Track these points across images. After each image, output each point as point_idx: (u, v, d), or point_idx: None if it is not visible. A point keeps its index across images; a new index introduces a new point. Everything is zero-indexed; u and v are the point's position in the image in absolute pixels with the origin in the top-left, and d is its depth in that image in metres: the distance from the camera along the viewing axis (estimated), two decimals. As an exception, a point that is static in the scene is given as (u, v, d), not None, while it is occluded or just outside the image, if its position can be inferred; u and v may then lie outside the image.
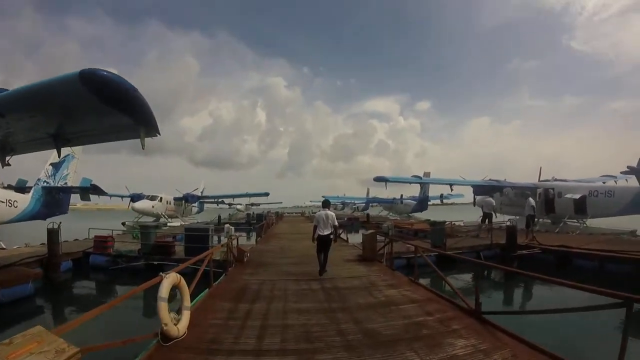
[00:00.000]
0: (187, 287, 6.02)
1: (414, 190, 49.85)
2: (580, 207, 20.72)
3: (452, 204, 61.78)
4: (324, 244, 10.77)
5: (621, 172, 20.59)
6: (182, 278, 5.82)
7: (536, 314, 6.63)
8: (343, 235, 21.10)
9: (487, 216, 23.23)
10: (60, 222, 15.22)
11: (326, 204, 11.55)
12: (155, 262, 15.09)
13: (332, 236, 10.77)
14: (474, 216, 28.53)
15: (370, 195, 70.34)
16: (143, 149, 7.50)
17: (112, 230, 17.89)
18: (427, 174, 25.98)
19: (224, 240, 15.00)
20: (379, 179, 22.22)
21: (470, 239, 18.81)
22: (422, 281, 9.99)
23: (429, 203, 48.27)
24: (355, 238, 21.05)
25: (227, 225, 15.89)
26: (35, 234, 19.61)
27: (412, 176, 23.09)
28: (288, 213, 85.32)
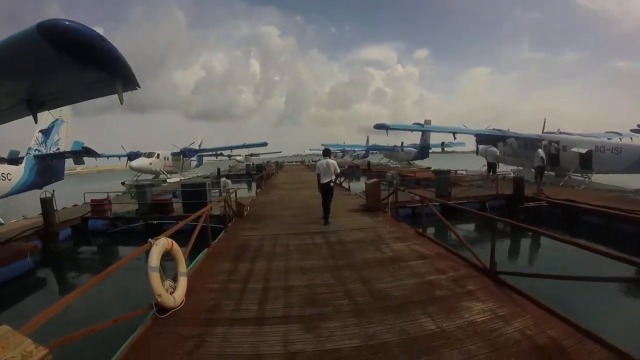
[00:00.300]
0: (181, 252, 5.62)
1: (415, 138, 49.28)
2: (586, 162, 20.11)
3: (452, 152, 61.39)
4: (326, 192, 11.09)
5: (631, 130, 20.29)
6: (174, 242, 5.39)
7: (557, 279, 6.09)
8: (345, 184, 20.93)
9: (491, 166, 22.84)
10: (53, 190, 14.73)
11: (327, 152, 11.73)
12: (155, 222, 14.83)
13: (332, 184, 11.05)
14: (476, 165, 28.15)
15: (370, 143, 69.78)
16: (121, 103, 6.89)
17: (108, 192, 17.25)
18: (427, 122, 25.09)
19: (216, 195, 14.63)
20: (379, 127, 21.58)
21: (475, 188, 18.38)
22: (429, 233, 9.66)
23: (430, 151, 47.65)
24: (357, 186, 20.85)
25: (223, 179, 15.23)
26: (34, 204, 19.37)
27: (413, 124, 22.43)
28: (288, 162, 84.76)
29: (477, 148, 26.67)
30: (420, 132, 44.36)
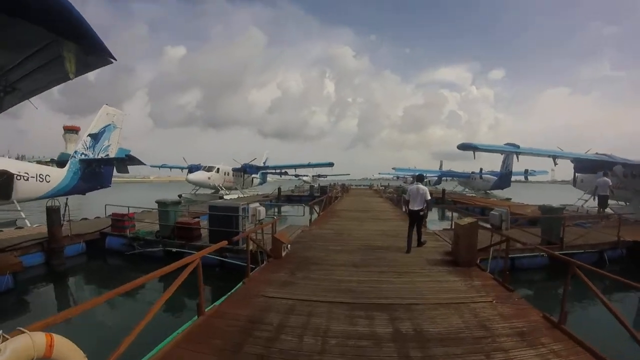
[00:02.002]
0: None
1: (492, 165, 45.24)
2: None
3: (536, 182, 55.67)
4: (414, 219, 10.49)
5: None
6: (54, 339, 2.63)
7: None
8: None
9: (603, 200, 18.43)
10: (67, 199, 13.36)
11: (420, 178, 11.38)
12: (174, 250, 12.03)
13: (422, 213, 10.37)
14: (568, 198, 24.01)
15: (444, 169, 65.14)
16: (71, 78, 5.42)
17: (129, 207, 14.66)
18: (511, 145, 20.87)
19: (250, 225, 11.06)
20: (465, 147, 17.74)
21: (590, 232, 13.70)
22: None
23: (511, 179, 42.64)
24: (430, 218, 16.94)
25: (255, 205, 11.35)
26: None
27: (505, 144, 18.43)
28: (356, 185, 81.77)
29: (575, 177, 22.83)
30: (503, 158, 40.10)
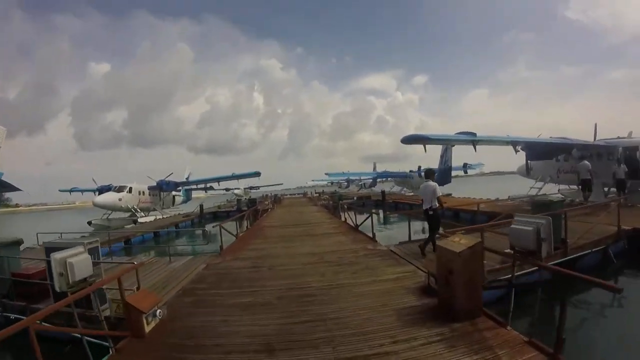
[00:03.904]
0: None
1: (428, 162, 43.67)
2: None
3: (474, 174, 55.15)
4: (428, 220, 9.14)
5: None
6: None
7: None
8: (365, 227, 13.84)
9: (586, 183, 16.33)
10: None
11: (428, 174, 9.89)
12: (12, 316, 7.48)
13: (430, 212, 8.94)
14: (510, 187, 25.06)
15: (378, 170, 63.07)
16: None
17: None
18: (467, 133, 18.29)
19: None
20: (412, 139, 14.75)
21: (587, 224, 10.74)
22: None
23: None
24: (373, 228, 13.38)
25: (64, 255, 6.28)
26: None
27: (458, 133, 15.59)
28: (291, 194, 77.96)
29: (527, 165, 20.89)
30: (441, 153, 38.45)
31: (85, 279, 5.17)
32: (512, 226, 4.77)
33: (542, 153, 19.24)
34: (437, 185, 9.13)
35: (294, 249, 11.23)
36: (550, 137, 19.08)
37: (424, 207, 9.10)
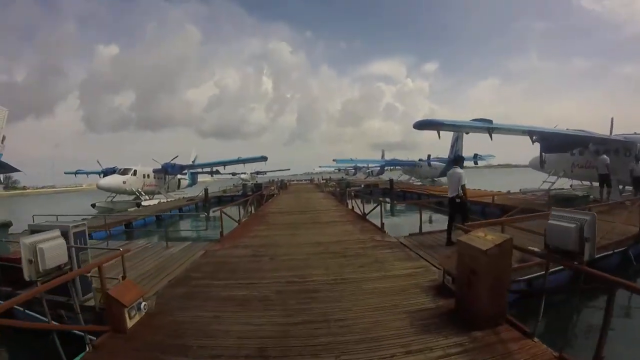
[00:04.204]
0: None
1: (439, 151, 42.83)
2: None
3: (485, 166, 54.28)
4: (452, 208, 8.94)
5: None
6: None
7: None
8: (373, 216, 13.26)
9: (604, 179, 15.47)
10: None
11: (457, 160, 9.67)
12: None
13: (458, 200, 8.67)
14: (521, 180, 23.97)
15: (386, 158, 62.13)
16: None
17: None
18: (483, 120, 17.53)
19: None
20: (425, 124, 13.98)
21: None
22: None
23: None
24: (382, 217, 12.62)
25: (33, 240, 5.44)
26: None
27: (473, 120, 14.82)
28: (298, 180, 77.50)
29: (542, 157, 19.53)
30: (451, 142, 37.81)
31: (59, 267, 4.57)
32: (550, 221, 4.10)
33: (558, 145, 18.10)
34: (463, 172, 8.81)
35: (298, 237, 10.64)
36: (567, 129, 18.12)
37: (450, 195, 8.88)
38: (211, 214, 16.78)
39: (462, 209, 8.78)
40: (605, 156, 15.79)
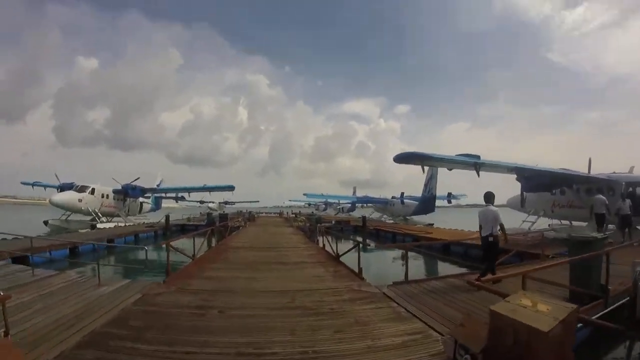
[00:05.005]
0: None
1: (410, 188, 42.67)
2: None
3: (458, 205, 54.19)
4: (486, 249, 8.33)
5: None
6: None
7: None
8: (349, 257, 11.55)
9: (601, 219, 15.01)
10: None
11: (488, 197, 8.56)
12: None
13: (491, 239, 8.06)
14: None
15: (358, 195, 61.40)
16: None
17: None
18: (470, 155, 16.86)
19: None
20: (409, 157, 12.94)
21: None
22: None
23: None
24: (352, 257, 10.85)
25: None
26: None
27: (459, 155, 13.77)
28: (267, 213, 76.01)
29: (523, 196, 19.20)
30: (425, 181, 37.56)
31: None
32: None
33: (540, 184, 17.94)
34: (498, 210, 8.29)
35: (259, 282, 8.76)
36: (551, 168, 17.69)
37: (483, 234, 8.26)
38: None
39: (493, 250, 8.30)
40: (601, 195, 15.36)
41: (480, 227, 8.38)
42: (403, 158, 12.96)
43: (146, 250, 10.07)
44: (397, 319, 5.85)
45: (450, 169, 15.15)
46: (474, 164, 13.54)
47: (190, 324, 5.60)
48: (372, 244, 24.19)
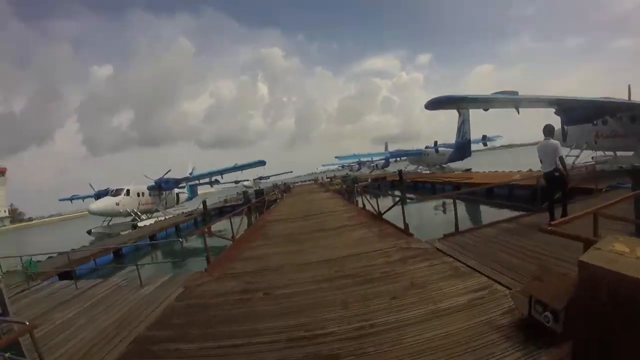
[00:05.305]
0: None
1: (446, 137, 41.38)
2: None
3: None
4: (550, 184, 7.74)
5: None
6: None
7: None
8: (392, 215, 11.19)
9: None
10: None
11: (549, 130, 7.88)
12: None
13: (557, 173, 7.43)
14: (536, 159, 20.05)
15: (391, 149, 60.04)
16: None
17: None
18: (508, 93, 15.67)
19: None
20: (444, 101, 12.16)
21: None
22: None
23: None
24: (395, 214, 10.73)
25: None
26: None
27: (496, 93, 12.82)
28: (302, 182, 75.46)
29: (564, 130, 17.57)
30: (458, 126, 36.14)
31: None
32: None
33: (581, 116, 16.42)
34: (559, 143, 7.75)
35: (302, 254, 8.38)
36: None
37: (545, 170, 7.75)
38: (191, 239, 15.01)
39: (562, 185, 7.61)
40: None
41: (541, 161, 7.81)
42: (436, 103, 12.14)
43: (182, 242, 9.88)
44: (457, 276, 5.36)
45: (486, 110, 14.19)
46: (513, 100, 12.60)
47: (236, 311, 5.29)
48: (415, 197, 23.71)
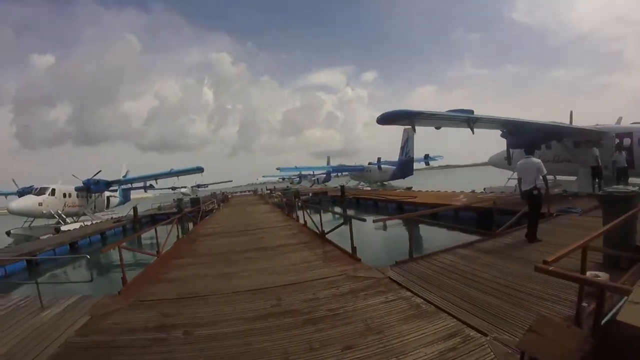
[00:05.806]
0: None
1: (388, 154, 42.24)
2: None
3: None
4: (529, 203, 7.93)
5: None
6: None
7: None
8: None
9: (596, 171, 14.96)
10: None
11: (531, 147, 8.72)
12: None
13: (535, 192, 7.71)
14: (475, 180, 24.26)
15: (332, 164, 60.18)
16: None
17: None
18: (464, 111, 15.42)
19: None
20: (397, 116, 11.66)
21: None
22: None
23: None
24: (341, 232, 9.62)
25: None
26: None
27: (451, 110, 12.42)
28: (241, 192, 73.97)
29: (509, 153, 17.86)
30: (401, 144, 36.75)
31: None
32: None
33: (527, 140, 16.27)
34: (541, 162, 7.89)
35: (233, 279, 7.18)
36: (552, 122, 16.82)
37: (524, 188, 7.90)
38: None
39: (537, 204, 7.86)
40: (595, 148, 15.01)
41: (520, 180, 8.06)
42: (390, 117, 11.55)
43: (88, 259, 8.27)
44: (419, 316, 4.46)
45: (438, 128, 13.84)
46: (468, 119, 12.32)
47: (146, 357, 4.11)
48: (365, 218, 23.00)
